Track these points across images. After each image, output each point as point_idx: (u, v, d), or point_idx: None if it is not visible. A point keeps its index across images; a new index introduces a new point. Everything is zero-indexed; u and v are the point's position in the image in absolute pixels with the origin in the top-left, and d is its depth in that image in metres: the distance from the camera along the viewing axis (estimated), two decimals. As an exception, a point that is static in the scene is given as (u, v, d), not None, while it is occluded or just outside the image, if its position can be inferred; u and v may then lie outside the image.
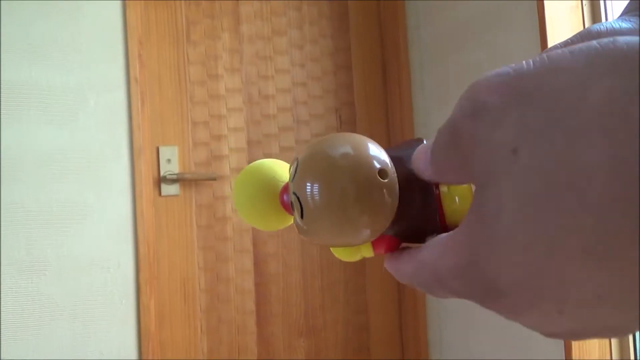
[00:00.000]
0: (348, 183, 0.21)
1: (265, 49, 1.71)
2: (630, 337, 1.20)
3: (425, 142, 0.22)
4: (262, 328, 1.63)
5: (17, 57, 1.36)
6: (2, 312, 1.30)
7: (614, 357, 1.20)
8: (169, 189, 1.55)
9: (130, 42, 1.48)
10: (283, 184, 0.27)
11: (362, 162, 0.22)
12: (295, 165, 0.23)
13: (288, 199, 0.24)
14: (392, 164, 0.23)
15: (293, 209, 0.23)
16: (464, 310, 1.55)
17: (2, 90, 1.34)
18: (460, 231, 0.18)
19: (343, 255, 0.25)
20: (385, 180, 0.22)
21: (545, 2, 1.23)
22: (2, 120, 1.34)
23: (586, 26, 1.26)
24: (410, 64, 1.79)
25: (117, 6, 1.48)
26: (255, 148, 1.67)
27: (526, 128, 0.14)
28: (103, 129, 1.44)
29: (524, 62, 0.15)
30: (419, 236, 0.23)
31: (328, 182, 0.22)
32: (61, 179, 1.39)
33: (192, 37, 1.62)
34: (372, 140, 0.23)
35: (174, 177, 1.54)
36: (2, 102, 1.34)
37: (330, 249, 0.25)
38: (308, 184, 0.22)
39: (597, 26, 0.19)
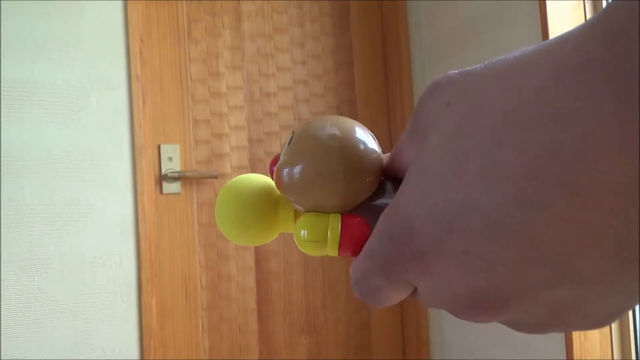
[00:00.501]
0: (336, 150, 0.23)
1: (267, 46, 1.70)
2: (632, 337, 1.19)
3: None
4: (263, 326, 1.64)
5: (18, 55, 1.36)
6: (4, 310, 1.31)
7: (615, 357, 1.20)
8: (170, 187, 1.56)
9: (131, 40, 1.48)
10: (267, 192, 0.27)
11: (350, 137, 0.24)
12: (290, 136, 0.25)
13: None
14: (378, 151, 0.24)
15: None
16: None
17: (4, 88, 1.35)
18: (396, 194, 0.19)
19: (309, 248, 0.25)
20: (368, 154, 0.24)
21: (547, 0, 1.22)
22: (4, 118, 1.34)
23: (588, 24, 1.25)
24: (411, 62, 1.79)
25: (118, 4, 1.48)
26: (257, 146, 1.67)
27: (459, 89, 0.17)
28: (105, 127, 1.45)
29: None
30: None
31: (316, 143, 0.24)
32: (63, 177, 1.39)
33: (193, 35, 1.62)
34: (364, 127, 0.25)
35: (175, 175, 1.54)
36: (4, 101, 1.35)
37: (297, 241, 0.25)
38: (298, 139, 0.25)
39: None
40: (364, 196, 0.24)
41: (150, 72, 1.55)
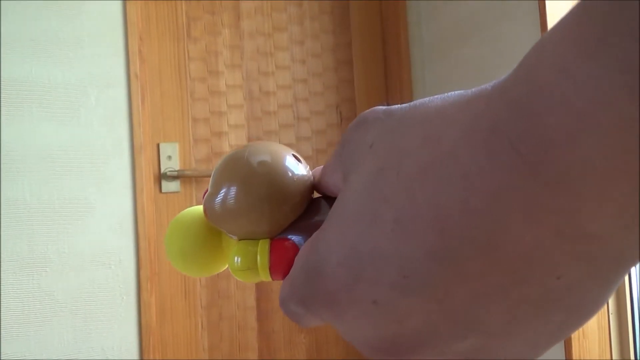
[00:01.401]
0: (263, 178, 0.24)
1: (266, 45, 1.70)
2: (631, 337, 1.19)
3: None
4: (262, 324, 1.64)
5: (18, 53, 1.36)
6: (3, 309, 1.31)
7: (614, 357, 1.19)
8: (169, 186, 1.56)
9: (130, 38, 1.48)
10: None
11: (279, 164, 0.24)
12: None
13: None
14: (304, 172, 0.25)
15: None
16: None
17: (3, 86, 1.35)
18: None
19: (242, 276, 0.25)
20: (291, 176, 0.24)
21: (546, -2, 1.22)
22: (3, 116, 1.34)
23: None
24: (411, 60, 1.78)
25: (117, 2, 1.48)
26: (256, 144, 1.66)
27: (383, 131, 0.17)
28: (104, 126, 1.45)
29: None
30: None
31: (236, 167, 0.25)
32: (62, 176, 1.39)
33: (192, 33, 1.62)
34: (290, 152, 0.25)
35: (175, 173, 1.54)
36: (3, 99, 1.35)
37: (231, 270, 0.25)
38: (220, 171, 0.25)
39: None
40: (292, 218, 0.24)
41: (149, 71, 1.55)
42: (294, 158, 0.25)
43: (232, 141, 1.64)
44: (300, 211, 0.25)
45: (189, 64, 1.61)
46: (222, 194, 0.24)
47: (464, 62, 1.54)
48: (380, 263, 0.15)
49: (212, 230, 0.27)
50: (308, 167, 0.26)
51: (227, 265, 0.27)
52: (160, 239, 1.54)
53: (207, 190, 0.26)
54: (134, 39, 1.49)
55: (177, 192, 1.57)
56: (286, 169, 0.24)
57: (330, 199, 0.25)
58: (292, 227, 0.24)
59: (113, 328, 1.41)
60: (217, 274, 1.60)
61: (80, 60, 1.43)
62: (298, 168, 0.25)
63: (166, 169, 1.55)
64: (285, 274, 0.24)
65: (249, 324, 1.62)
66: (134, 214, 1.46)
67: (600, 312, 1.20)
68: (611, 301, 1.22)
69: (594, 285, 0.14)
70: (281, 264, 0.24)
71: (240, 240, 0.25)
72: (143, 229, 1.46)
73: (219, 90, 1.64)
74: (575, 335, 1.17)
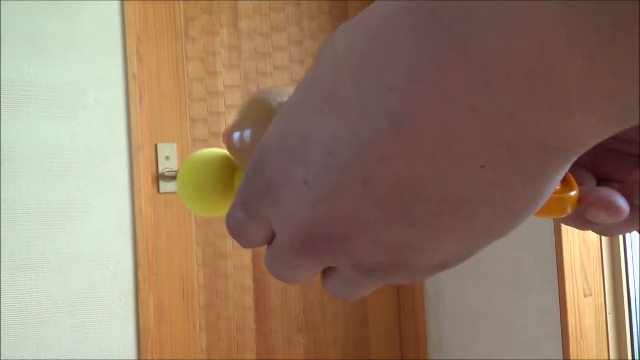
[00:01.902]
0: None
1: (264, 45, 1.70)
2: (628, 336, 1.19)
3: None
4: (261, 324, 1.64)
5: (16, 53, 1.36)
6: (1, 309, 1.31)
7: (611, 356, 1.20)
8: (167, 186, 1.55)
9: (128, 39, 1.48)
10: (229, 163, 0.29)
11: None
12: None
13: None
14: None
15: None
16: (463, 309, 1.55)
17: (1, 87, 1.34)
18: None
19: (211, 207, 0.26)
20: None
21: None
22: (1, 117, 1.34)
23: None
24: (410, 59, 1.78)
25: (115, 3, 1.48)
26: (254, 145, 1.66)
27: (344, 28, 0.17)
28: (102, 126, 1.44)
29: None
30: None
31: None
32: (60, 176, 1.39)
33: (190, 33, 1.62)
34: None
35: (173, 174, 1.54)
36: (1, 99, 1.34)
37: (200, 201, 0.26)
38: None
39: None
40: None
41: (147, 71, 1.55)
42: None
43: (230, 141, 1.64)
44: None
45: (187, 64, 1.60)
46: (246, 131, 0.25)
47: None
48: (309, 142, 0.16)
49: (227, 166, 0.28)
50: None
51: None
52: (158, 239, 1.53)
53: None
54: (132, 39, 1.48)
55: (175, 192, 1.57)
56: None
57: None
58: None
59: (111, 328, 1.41)
60: (216, 274, 1.60)
61: (78, 61, 1.43)
62: None
63: (164, 169, 1.55)
64: None
65: (247, 324, 1.62)
66: (131, 214, 1.46)
67: (598, 311, 1.21)
68: (609, 301, 1.22)
69: (520, 181, 0.14)
70: None
71: None
72: (141, 229, 1.46)
73: (217, 90, 1.64)
74: (573, 335, 1.18)
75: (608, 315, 1.21)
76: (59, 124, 1.40)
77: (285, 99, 0.25)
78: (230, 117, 1.65)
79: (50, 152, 1.38)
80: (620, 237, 1.20)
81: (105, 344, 1.40)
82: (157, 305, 1.51)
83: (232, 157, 0.28)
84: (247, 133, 0.25)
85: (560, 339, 1.20)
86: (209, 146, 1.62)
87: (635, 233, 1.20)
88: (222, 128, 1.64)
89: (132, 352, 1.43)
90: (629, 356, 1.19)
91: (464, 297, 1.53)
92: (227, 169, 0.28)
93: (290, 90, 0.26)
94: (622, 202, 0.22)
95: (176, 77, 1.59)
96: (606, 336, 1.20)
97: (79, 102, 1.42)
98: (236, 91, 1.66)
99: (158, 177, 1.55)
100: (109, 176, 1.44)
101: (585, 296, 1.20)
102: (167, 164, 1.55)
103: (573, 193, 0.23)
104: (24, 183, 1.35)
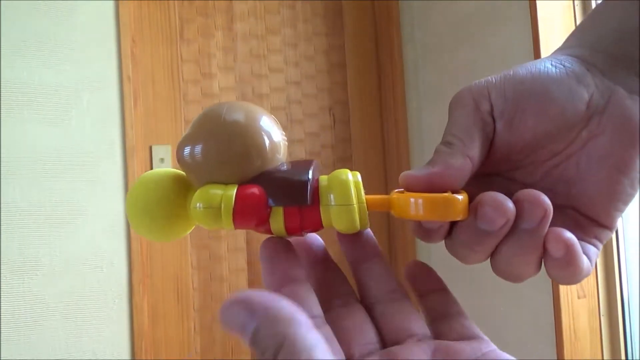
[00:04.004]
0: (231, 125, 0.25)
1: (259, 47, 1.70)
2: (622, 338, 1.20)
3: (315, 162, 0.26)
4: (255, 327, 1.63)
5: (8, 55, 1.35)
6: (-7, 312, 1.30)
7: (605, 357, 1.20)
8: (162, 188, 1.55)
9: (123, 40, 1.47)
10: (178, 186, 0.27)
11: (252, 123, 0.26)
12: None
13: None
14: (279, 136, 0.26)
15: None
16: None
17: (-7, 89, 1.34)
18: None
19: (202, 217, 0.25)
20: (265, 136, 0.25)
21: (537, 2, 1.23)
22: (-7, 119, 1.33)
23: (579, 26, 1.26)
24: (404, 62, 1.79)
25: (109, 4, 1.47)
26: (249, 147, 1.66)
27: None
28: (96, 128, 1.44)
29: None
30: (285, 197, 0.24)
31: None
32: (54, 178, 1.38)
33: (185, 35, 1.61)
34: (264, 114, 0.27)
35: (167, 176, 1.54)
36: (-7, 101, 1.34)
37: (191, 212, 0.25)
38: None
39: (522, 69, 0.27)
40: (260, 171, 0.25)
41: (141, 73, 1.54)
42: (270, 120, 0.26)
43: (225, 143, 1.64)
44: (270, 167, 0.25)
45: (181, 66, 1.60)
46: (198, 146, 0.25)
47: (457, 65, 1.55)
48: None
49: (178, 187, 0.26)
50: (283, 132, 0.27)
51: (192, 227, 0.27)
52: (152, 242, 1.53)
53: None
54: (127, 41, 1.48)
55: (169, 194, 1.56)
56: (260, 129, 0.25)
57: (296, 164, 0.26)
58: (262, 176, 0.25)
59: (105, 331, 1.40)
60: (210, 276, 1.60)
61: (72, 62, 1.42)
62: (272, 130, 0.26)
63: (159, 171, 1.54)
64: (248, 221, 0.24)
65: (242, 327, 1.62)
66: (125, 217, 1.45)
67: (592, 313, 1.21)
68: (602, 303, 1.22)
69: None
70: (245, 211, 0.24)
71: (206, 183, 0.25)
72: (135, 232, 1.45)
73: (212, 92, 1.63)
74: (567, 336, 1.18)
75: (602, 317, 1.22)
76: (53, 126, 1.39)
77: (237, 114, 0.25)
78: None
79: (44, 154, 1.38)
80: (614, 239, 1.20)
81: (99, 347, 1.39)
82: (151, 308, 1.50)
83: (184, 175, 0.27)
84: (200, 148, 0.25)
85: (554, 340, 1.21)
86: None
87: (632, 233, 1.20)
88: (217, 130, 1.64)
89: (126, 354, 1.42)
90: (623, 357, 1.19)
91: (458, 299, 1.53)
92: (179, 188, 0.26)
93: (245, 105, 0.26)
94: (510, 203, 0.24)
95: (171, 79, 1.59)
96: (600, 338, 1.21)
97: (73, 104, 1.42)
98: (231, 93, 1.66)
99: (152, 180, 1.54)
100: (103, 178, 1.43)
101: (579, 298, 1.21)
102: (162, 166, 1.55)
103: (461, 197, 0.24)
104: (17, 185, 1.34)
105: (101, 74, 1.45)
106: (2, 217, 1.32)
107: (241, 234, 1.63)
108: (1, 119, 1.34)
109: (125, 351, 1.42)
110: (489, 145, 0.26)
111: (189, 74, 1.61)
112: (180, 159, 0.26)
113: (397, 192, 0.26)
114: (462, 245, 0.26)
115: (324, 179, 0.25)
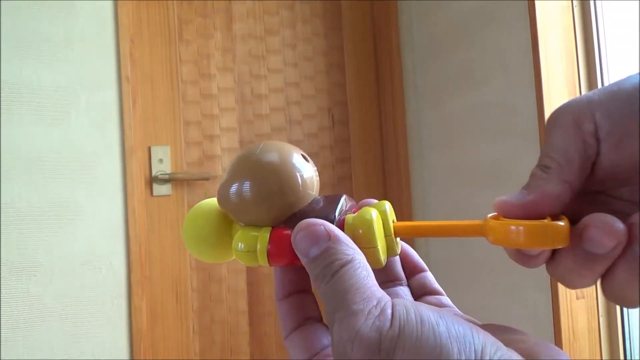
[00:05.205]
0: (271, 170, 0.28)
1: (258, 48, 1.70)
2: (620, 338, 1.20)
3: (344, 197, 0.28)
4: (254, 328, 1.63)
5: (7, 55, 1.35)
6: (-8, 313, 1.30)
7: (604, 358, 1.20)
8: (160, 189, 1.55)
9: (121, 41, 1.47)
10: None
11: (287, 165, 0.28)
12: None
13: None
14: (311, 172, 0.28)
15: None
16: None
17: (-9, 89, 1.33)
18: None
19: (243, 258, 0.28)
20: (298, 176, 0.28)
21: (536, 2, 1.23)
22: (-9, 120, 1.33)
23: (576, 26, 1.26)
24: (403, 63, 1.79)
25: (108, 4, 1.47)
26: (248, 148, 1.66)
27: None
28: (95, 129, 1.44)
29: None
30: None
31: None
32: (52, 179, 1.38)
33: (184, 36, 1.61)
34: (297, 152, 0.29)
35: (166, 177, 1.53)
36: (-9, 102, 1.33)
37: (234, 252, 0.28)
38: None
39: (631, 79, 0.25)
40: (295, 210, 0.28)
41: (140, 73, 1.54)
42: (301, 157, 0.28)
43: (223, 144, 1.63)
44: (303, 204, 0.28)
45: (180, 67, 1.60)
46: (235, 187, 0.28)
47: (455, 66, 1.55)
48: None
49: (225, 219, 0.30)
50: (314, 167, 0.29)
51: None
52: (151, 243, 1.53)
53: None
54: (125, 42, 1.48)
55: (168, 195, 1.56)
56: (292, 167, 0.28)
57: (327, 199, 0.28)
58: (294, 217, 0.27)
59: (103, 332, 1.40)
60: (209, 277, 1.59)
61: (70, 63, 1.42)
62: (304, 167, 0.28)
63: (157, 172, 1.54)
64: (281, 261, 0.26)
65: (240, 328, 1.62)
66: (124, 217, 1.45)
67: (590, 313, 1.21)
68: (601, 303, 1.23)
69: None
70: (278, 251, 0.26)
71: (244, 226, 0.28)
72: (134, 233, 1.45)
73: (210, 93, 1.63)
74: (565, 336, 1.18)
75: (600, 318, 1.22)
76: (51, 127, 1.39)
77: (273, 157, 0.28)
78: (224, 120, 1.64)
79: (42, 155, 1.37)
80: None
81: (98, 348, 1.39)
82: (150, 309, 1.50)
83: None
84: (235, 189, 0.27)
85: (553, 340, 1.21)
86: (202, 149, 1.61)
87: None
88: (216, 131, 1.63)
89: (124, 356, 1.42)
90: (622, 357, 1.19)
91: (458, 300, 1.53)
92: (223, 224, 0.30)
93: (277, 145, 0.28)
94: (620, 224, 0.22)
95: (170, 80, 1.59)
96: (599, 338, 1.21)
97: (72, 104, 1.42)
98: (230, 94, 1.66)
99: (151, 180, 1.54)
100: (102, 179, 1.43)
101: (577, 299, 1.21)
102: (161, 167, 1.55)
103: (562, 223, 0.23)
104: (16, 186, 1.34)
105: (100, 75, 1.45)
106: (0, 218, 1.32)
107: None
108: (0, 119, 1.34)
109: (124, 352, 1.42)
110: (591, 166, 0.25)
111: (187, 75, 1.61)
112: (220, 202, 0.29)
113: (491, 217, 0.25)
114: (566, 270, 0.24)
115: (349, 218, 0.27)
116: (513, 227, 0.24)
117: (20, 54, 1.36)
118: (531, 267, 0.26)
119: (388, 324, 0.20)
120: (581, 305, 1.21)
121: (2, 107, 1.34)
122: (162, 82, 1.58)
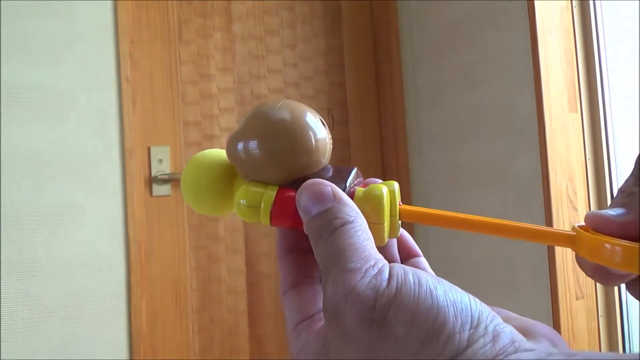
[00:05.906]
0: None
1: (258, 48, 1.70)
2: (620, 339, 1.20)
3: (355, 169, 0.27)
4: (254, 328, 1.63)
5: (6, 56, 1.35)
6: (-9, 314, 1.30)
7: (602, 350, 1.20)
8: (160, 189, 1.55)
9: (121, 41, 1.47)
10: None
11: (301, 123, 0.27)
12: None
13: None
14: (324, 135, 0.28)
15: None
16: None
17: (-9, 90, 1.33)
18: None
19: (244, 213, 0.27)
20: (312, 137, 0.27)
21: (535, 2, 1.23)
22: (-9, 120, 1.33)
23: (576, 27, 1.26)
24: (402, 63, 1.79)
25: (108, 5, 1.47)
26: (248, 148, 1.66)
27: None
28: (94, 129, 1.44)
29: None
30: None
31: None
32: (52, 179, 1.38)
33: (183, 37, 1.61)
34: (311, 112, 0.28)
35: (166, 177, 1.53)
36: (-9, 102, 1.33)
37: (235, 205, 0.27)
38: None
39: None
40: (304, 172, 0.27)
41: (140, 74, 1.54)
42: (319, 121, 0.28)
43: (223, 144, 1.63)
44: (314, 168, 0.27)
45: (180, 67, 1.60)
46: (245, 141, 0.27)
47: (455, 66, 1.56)
48: None
49: (228, 171, 0.29)
50: (330, 134, 0.28)
51: (234, 209, 0.29)
52: (151, 243, 1.53)
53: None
54: (125, 42, 1.48)
55: (168, 195, 1.56)
56: (306, 127, 0.27)
57: (339, 168, 0.28)
58: (302, 181, 0.26)
59: (103, 332, 1.40)
60: (209, 277, 1.59)
61: (70, 63, 1.42)
62: (319, 129, 0.27)
63: (157, 172, 1.54)
64: (284, 220, 0.26)
65: (240, 329, 1.62)
66: (124, 218, 1.45)
67: (590, 314, 1.21)
68: (600, 304, 1.23)
69: None
70: (282, 212, 0.25)
71: (250, 181, 0.27)
72: (134, 233, 1.45)
73: (210, 93, 1.63)
74: (565, 337, 1.18)
75: (600, 318, 1.22)
76: (51, 127, 1.39)
77: (285, 114, 0.27)
78: (224, 120, 1.64)
79: (42, 155, 1.37)
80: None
81: (97, 348, 1.39)
82: (149, 309, 1.50)
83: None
84: (248, 144, 0.26)
85: (553, 341, 1.21)
86: (202, 149, 1.61)
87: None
88: (216, 131, 1.63)
89: (124, 356, 1.42)
90: (620, 351, 1.19)
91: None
92: (227, 176, 0.29)
93: (293, 104, 0.28)
94: None
95: (169, 80, 1.59)
96: (598, 338, 1.21)
97: (71, 105, 1.41)
98: (229, 94, 1.66)
99: (151, 181, 1.54)
100: (101, 179, 1.43)
101: (577, 299, 1.21)
102: (160, 167, 1.55)
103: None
104: (14, 186, 1.34)
105: (100, 75, 1.45)
106: (0, 218, 1.32)
107: (239, 234, 1.63)
108: (0, 119, 1.34)
109: (123, 352, 1.42)
110: None
111: (187, 75, 1.61)
112: (229, 154, 0.28)
113: (578, 227, 0.24)
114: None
115: (360, 191, 0.26)
116: (608, 246, 0.22)
117: (20, 54, 1.36)
118: (608, 286, 0.25)
119: (385, 283, 0.20)
120: (581, 305, 1.21)
121: (1, 107, 1.34)
122: (162, 82, 1.58)
